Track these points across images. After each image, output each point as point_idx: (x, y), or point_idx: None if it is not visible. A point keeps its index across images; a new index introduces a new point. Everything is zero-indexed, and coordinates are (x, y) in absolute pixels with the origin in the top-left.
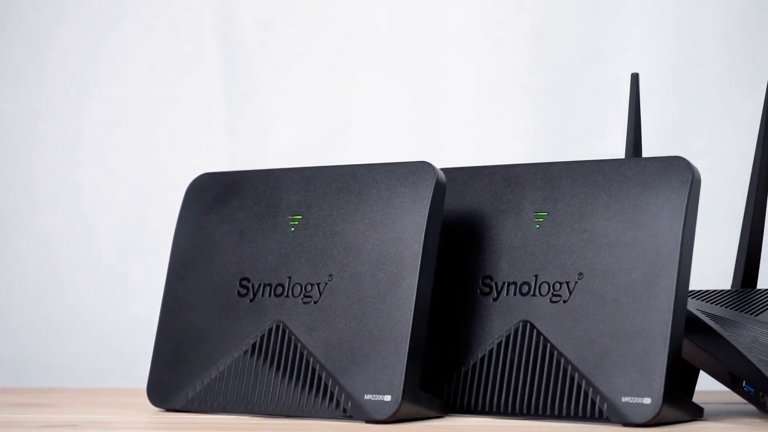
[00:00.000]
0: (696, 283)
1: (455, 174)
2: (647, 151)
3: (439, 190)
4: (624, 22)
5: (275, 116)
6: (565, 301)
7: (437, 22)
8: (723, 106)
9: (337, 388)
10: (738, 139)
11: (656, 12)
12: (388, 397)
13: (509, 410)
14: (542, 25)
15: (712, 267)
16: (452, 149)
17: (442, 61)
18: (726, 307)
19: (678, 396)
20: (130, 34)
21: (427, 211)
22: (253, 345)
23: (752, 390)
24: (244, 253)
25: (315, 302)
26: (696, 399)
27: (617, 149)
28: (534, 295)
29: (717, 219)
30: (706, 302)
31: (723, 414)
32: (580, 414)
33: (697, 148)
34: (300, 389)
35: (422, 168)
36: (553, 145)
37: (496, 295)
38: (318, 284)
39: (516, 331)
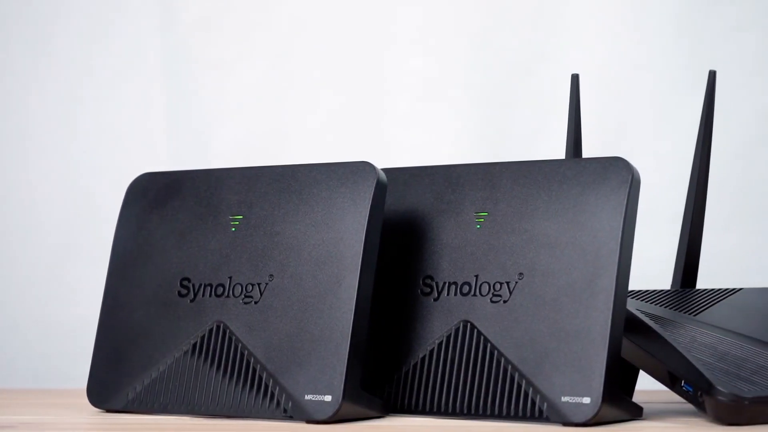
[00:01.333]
0: (636, 283)
1: (396, 174)
2: (589, 152)
3: (380, 190)
4: (566, 23)
5: (216, 116)
6: (505, 301)
7: (380, 23)
8: (663, 107)
9: (277, 388)
10: (678, 140)
11: (598, 14)
12: (328, 398)
13: (450, 410)
14: (485, 26)
15: (653, 267)
16: (395, 149)
17: (384, 61)
18: (665, 307)
19: (617, 395)
20: (70, 34)
21: (368, 211)
22: (194, 345)
23: (691, 389)
24: (185, 253)
25: (256, 302)
26: (636, 398)
27: (560, 150)
28: (474, 295)
29: (657, 219)
30: (646, 302)
31: (662, 413)
32: (521, 414)
33: (637, 148)
34: (240, 389)
35: (363, 168)
36: (495, 146)
37: (436, 295)
38: (259, 284)
39: (456, 331)
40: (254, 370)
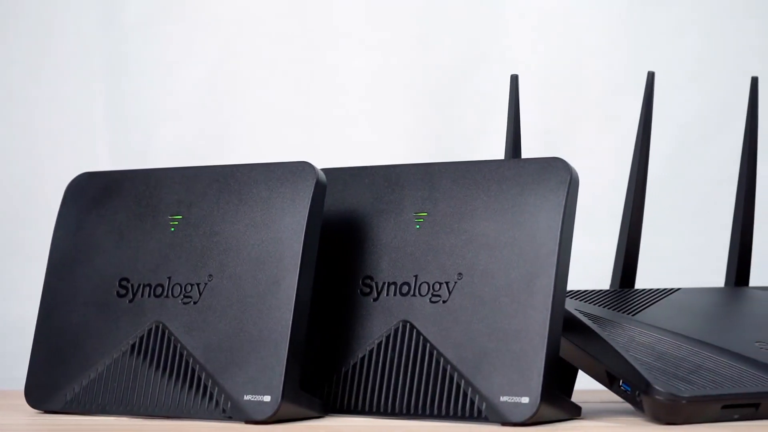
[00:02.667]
0: (575, 283)
1: (336, 174)
2: (530, 152)
3: (320, 190)
4: (507, 24)
5: (158, 115)
6: (444, 302)
7: (322, 22)
8: (603, 108)
9: (216, 388)
10: (618, 140)
11: (539, 14)
12: (267, 398)
13: (389, 410)
14: (427, 25)
15: (592, 267)
16: (337, 149)
17: (326, 61)
18: (604, 307)
19: (556, 395)
20: (10, 32)
21: (307, 211)
22: (133, 346)
23: (629, 389)
24: (124, 254)
25: (195, 302)
26: (574, 398)
27: (502, 150)
28: (414, 295)
29: (596, 219)
30: (585, 302)
31: (600, 413)
32: (459, 413)
33: (578, 148)
34: (180, 390)
35: (302, 168)
36: (437, 146)
37: (376, 295)
38: (198, 284)
39: (396, 331)
40: (193, 371)
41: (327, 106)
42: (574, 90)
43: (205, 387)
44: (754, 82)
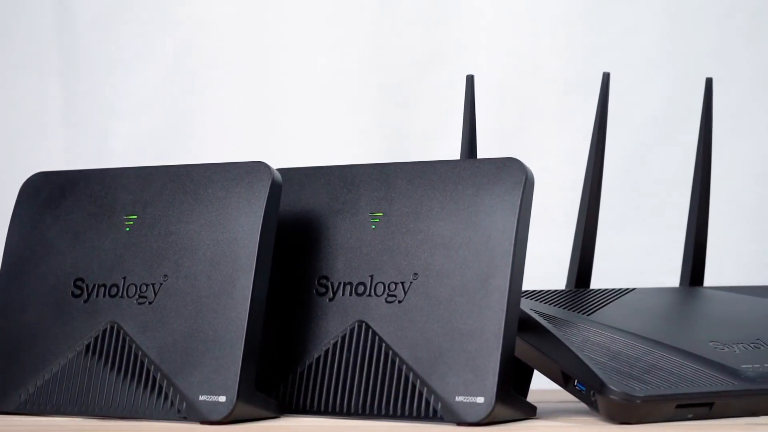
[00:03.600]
0: (531, 283)
1: (292, 174)
2: (486, 153)
3: (275, 190)
4: (463, 23)
5: (114, 114)
6: (400, 302)
7: (278, 22)
8: (559, 108)
9: (171, 389)
10: (573, 141)
11: (495, 14)
12: (222, 398)
13: (345, 410)
14: (382, 25)
15: (547, 267)
16: (293, 149)
17: (282, 61)
18: (559, 307)
19: (511, 395)
20: None
21: (263, 211)
22: (87, 346)
23: (583, 388)
24: (79, 254)
25: (150, 303)
26: (530, 398)
27: (458, 150)
28: (369, 295)
29: (552, 220)
30: (540, 302)
31: (555, 412)
32: (415, 413)
33: (533, 149)
34: (134, 390)
35: (258, 168)
36: (393, 146)
37: (332, 295)
38: (153, 284)
39: (351, 331)
40: (148, 371)
41: (282, 106)
42: (529, 90)
43: (160, 387)
44: (709, 83)
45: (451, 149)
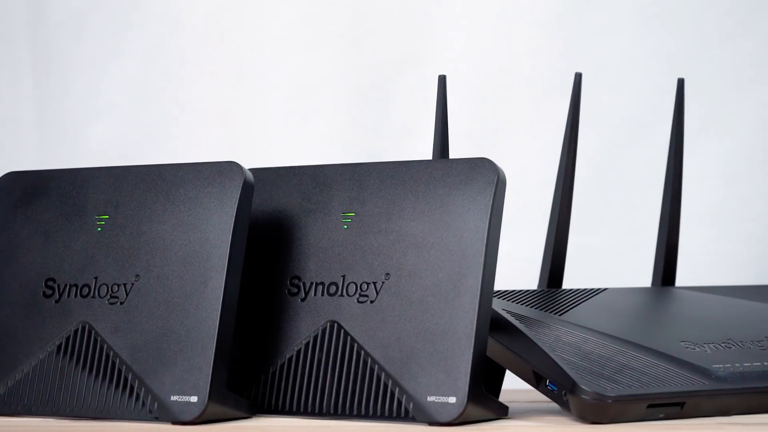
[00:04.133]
0: (503, 284)
1: (264, 174)
2: (458, 153)
3: (247, 190)
4: (438, 24)
5: (88, 115)
6: (372, 302)
7: (251, 22)
8: (532, 109)
9: (143, 389)
10: (546, 141)
11: (469, 15)
12: (194, 398)
13: (317, 410)
14: (356, 26)
15: (520, 267)
16: (266, 149)
17: (256, 60)
18: (531, 307)
19: (483, 395)
20: None
21: (235, 211)
22: (59, 346)
23: (555, 388)
24: (50, 254)
25: (121, 303)
26: (502, 398)
27: (430, 151)
28: (341, 295)
29: (525, 220)
30: (512, 302)
31: (527, 412)
32: (387, 413)
33: (506, 149)
34: (106, 391)
35: (230, 168)
36: (367, 147)
37: (304, 295)
38: (125, 285)
39: (323, 331)
40: (120, 371)
41: (255, 106)
42: (502, 91)
43: (132, 388)
44: (680, 83)
45: (425, 149)
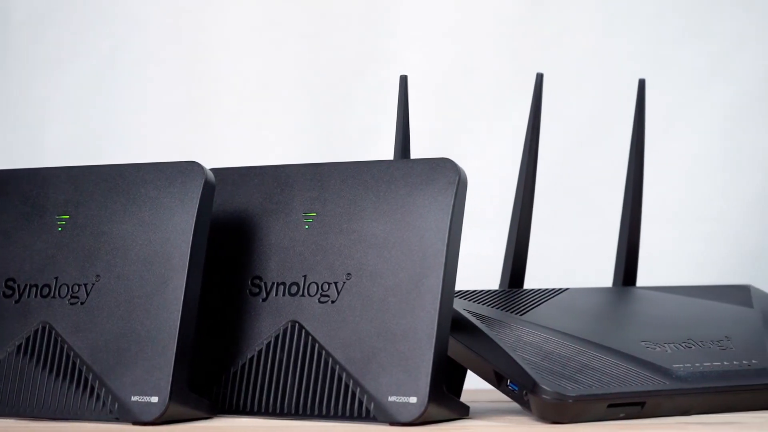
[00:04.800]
0: (465, 284)
1: (225, 174)
2: (421, 153)
3: (208, 190)
4: (400, 24)
5: (48, 114)
6: (333, 302)
7: (212, 22)
8: (494, 109)
9: (103, 389)
10: (508, 141)
11: (431, 15)
12: (155, 399)
13: (278, 410)
14: (318, 26)
15: (481, 267)
16: (228, 149)
17: (217, 60)
18: (493, 307)
19: (444, 395)
20: None
21: (196, 211)
22: (19, 346)
23: (516, 388)
24: (10, 254)
25: (82, 303)
26: (463, 398)
27: (392, 151)
28: (303, 295)
29: (487, 220)
30: (474, 302)
31: (488, 412)
32: (348, 413)
33: (467, 149)
34: (66, 391)
35: (191, 168)
36: (329, 146)
37: (265, 295)
38: (85, 285)
39: (285, 331)
40: (80, 372)
41: (217, 106)
42: (464, 91)
43: (92, 388)
44: (641, 84)
45: (387, 149)
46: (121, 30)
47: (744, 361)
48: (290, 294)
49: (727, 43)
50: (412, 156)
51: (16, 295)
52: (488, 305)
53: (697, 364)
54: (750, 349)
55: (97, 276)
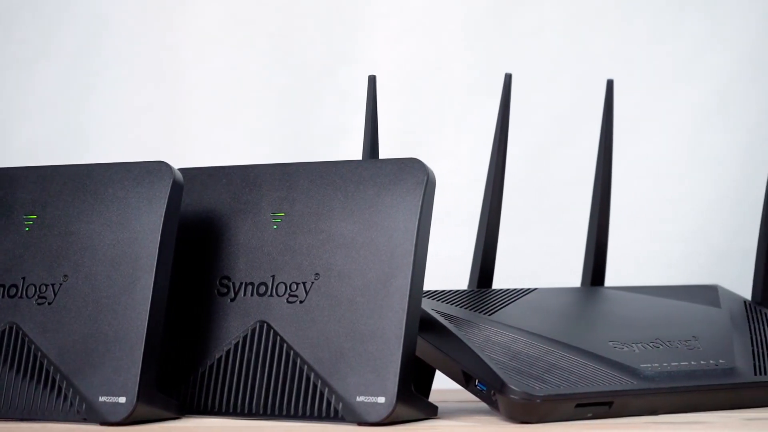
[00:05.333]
0: (434, 284)
1: (193, 174)
2: (390, 153)
3: (176, 190)
4: (369, 24)
5: (16, 114)
6: (301, 302)
7: (181, 21)
8: (463, 109)
9: (71, 390)
10: (477, 142)
11: (400, 15)
12: (122, 399)
13: (246, 411)
14: (287, 25)
15: (450, 267)
16: (197, 149)
17: (185, 60)
18: (461, 307)
19: (412, 395)
20: None
21: (164, 211)
22: None
23: (484, 388)
24: None
25: (49, 303)
26: (432, 398)
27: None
28: (271, 295)
29: (455, 220)
30: (442, 302)
31: (457, 412)
32: (316, 414)
33: (436, 149)
34: (34, 392)
35: (159, 168)
36: (297, 146)
37: (233, 295)
38: (53, 285)
39: (253, 331)
40: (48, 372)
41: (185, 106)
42: (432, 91)
43: (60, 389)
44: (610, 84)
45: (355, 149)
46: (88, 29)
47: (711, 361)
48: (258, 294)
49: (693, 46)
50: (381, 156)
51: None
52: (457, 305)
53: (664, 364)
54: (717, 348)
55: (65, 276)
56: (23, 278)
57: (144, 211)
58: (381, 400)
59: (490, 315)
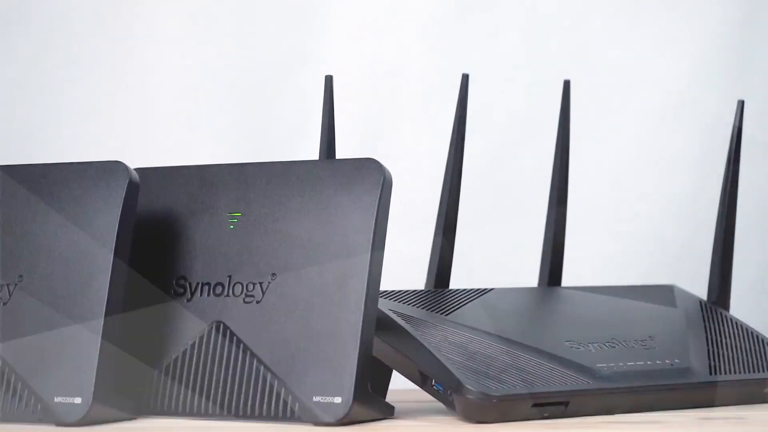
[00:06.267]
0: (392, 284)
1: (149, 174)
2: (349, 154)
3: (132, 189)
4: (327, 24)
5: None
6: (258, 302)
7: (139, 21)
8: (420, 109)
9: (26, 390)
10: (435, 142)
11: (358, 15)
12: (78, 400)
13: (203, 411)
14: (244, 25)
15: (408, 267)
16: (152, 150)
17: (142, 60)
18: (418, 307)
19: (369, 395)
20: None
21: (120, 211)
22: None
23: (441, 388)
24: None
25: (5, 304)
26: (389, 398)
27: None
28: (227, 295)
29: (413, 220)
30: (399, 302)
31: (414, 412)
32: (273, 414)
33: (394, 150)
34: None
35: (115, 168)
36: (255, 147)
37: (190, 295)
38: (8, 285)
39: (209, 332)
40: (2, 373)
41: (141, 106)
42: (390, 91)
43: (15, 389)
44: (566, 85)
45: (313, 150)
46: (45, 28)
47: (667, 361)
48: (215, 294)
49: (651, 45)
50: (338, 156)
51: None
52: (413, 305)
53: (620, 364)
54: (673, 348)
55: (20, 276)
56: None
57: (100, 211)
58: (337, 400)
59: (446, 315)
